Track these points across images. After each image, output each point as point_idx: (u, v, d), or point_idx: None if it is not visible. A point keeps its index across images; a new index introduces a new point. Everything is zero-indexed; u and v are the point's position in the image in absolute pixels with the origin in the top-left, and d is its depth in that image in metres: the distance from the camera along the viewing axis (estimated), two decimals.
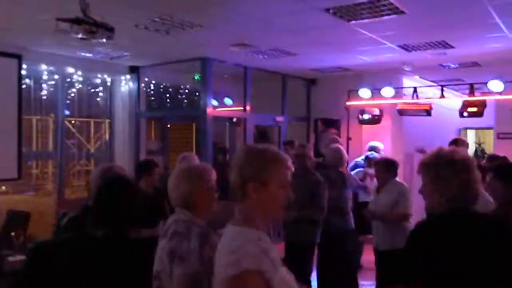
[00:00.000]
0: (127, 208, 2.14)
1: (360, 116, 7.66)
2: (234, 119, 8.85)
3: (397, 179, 4.34)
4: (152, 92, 8.28)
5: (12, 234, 3.79)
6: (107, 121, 7.81)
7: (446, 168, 1.89)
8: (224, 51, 6.20)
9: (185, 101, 8.77)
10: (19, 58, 5.92)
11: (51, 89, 6.73)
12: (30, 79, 6.40)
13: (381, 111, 7.57)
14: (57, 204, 6.59)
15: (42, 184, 8.37)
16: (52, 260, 2.07)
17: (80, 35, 2.91)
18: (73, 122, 7.38)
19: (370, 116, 7.59)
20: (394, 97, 7.25)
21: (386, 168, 4.30)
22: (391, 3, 4.10)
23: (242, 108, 7.61)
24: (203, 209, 2.15)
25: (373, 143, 6.94)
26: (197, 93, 8.21)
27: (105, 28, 2.97)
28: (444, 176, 1.89)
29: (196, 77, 7.79)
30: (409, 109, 7.27)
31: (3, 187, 6.27)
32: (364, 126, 7.88)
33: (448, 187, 1.88)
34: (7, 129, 5.82)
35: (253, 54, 6.42)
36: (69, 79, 6.92)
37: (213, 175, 2.23)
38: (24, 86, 6.14)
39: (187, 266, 1.95)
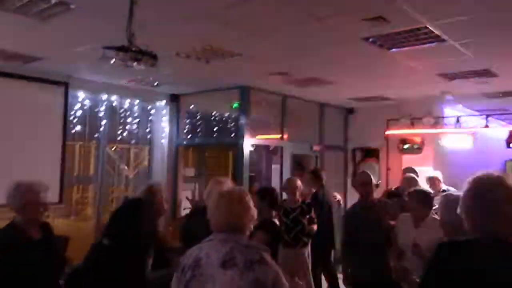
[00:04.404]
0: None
1: (400, 146, 7.50)
2: (271, 147, 8.83)
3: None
4: (191, 120, 8.41)
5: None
6: (147, 148, 7.94)
7: None
8: (263, 79, 6.26)
9: (223, 129, 8.85)
10: (66, 85, 6.19)
11: (94, 116, 6.93)
12: (74, 106, 6.62)
13: (422, 140, 7.39)
14: (96, 228, 6.71)
15: (82, 209, 8.46)
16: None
17: (124, 62, 3.01)
18: (113, 148, 7.52)
19: (411, 145, 7.42)
20: (436, 126, 7.07)
21: (423, 200, 3.76)
22: (432, 31, 4.04)
23: (279, 136, 7.60)
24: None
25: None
26: (234, 121, 8.26)
27: (149, 55, 3.06)
28: None
29: (235, 105, 7.87)
30: None
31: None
32: (405, 156, 7.69)
33: None
34: (52, 155, 6.03)
35: (291, 83, 6.45)
36: (111, 106, 7.13)
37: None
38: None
39: None
